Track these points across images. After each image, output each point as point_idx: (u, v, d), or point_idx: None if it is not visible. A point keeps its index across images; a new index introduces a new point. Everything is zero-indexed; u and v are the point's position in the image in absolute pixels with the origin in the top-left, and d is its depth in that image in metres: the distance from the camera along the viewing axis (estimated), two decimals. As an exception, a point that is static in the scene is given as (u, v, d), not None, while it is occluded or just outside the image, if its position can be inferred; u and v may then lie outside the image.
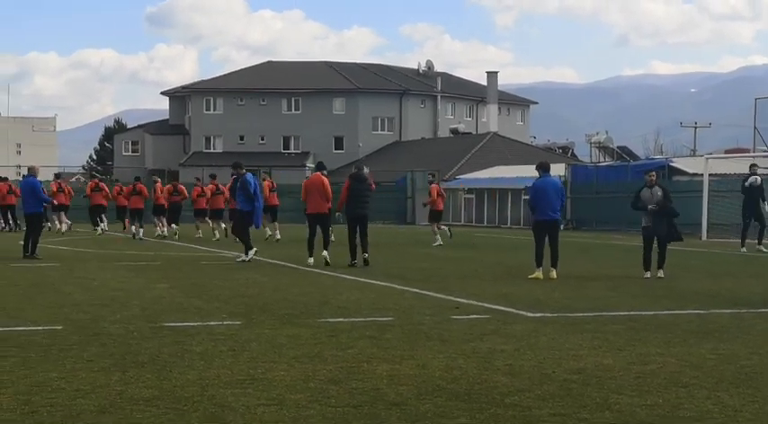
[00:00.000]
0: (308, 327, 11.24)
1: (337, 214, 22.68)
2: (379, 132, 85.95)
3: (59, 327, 11.11)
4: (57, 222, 37.77)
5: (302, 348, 9.78)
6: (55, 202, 36.35)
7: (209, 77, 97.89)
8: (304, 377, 8.26)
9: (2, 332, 10.68)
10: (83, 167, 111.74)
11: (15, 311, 12.64)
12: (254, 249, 22.13)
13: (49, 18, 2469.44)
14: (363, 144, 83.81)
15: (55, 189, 37.11)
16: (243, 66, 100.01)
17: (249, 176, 22.72)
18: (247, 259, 21.81)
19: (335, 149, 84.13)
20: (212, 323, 11.56)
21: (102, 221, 36.65)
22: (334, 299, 14.31)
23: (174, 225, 34.46)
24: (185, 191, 35.42)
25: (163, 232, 34.34)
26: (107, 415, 6.94)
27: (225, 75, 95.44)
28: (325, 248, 21.45)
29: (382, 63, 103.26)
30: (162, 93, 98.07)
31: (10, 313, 12.45)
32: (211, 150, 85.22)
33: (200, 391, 7.70)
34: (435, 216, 32.37)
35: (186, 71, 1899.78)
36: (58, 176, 42.29)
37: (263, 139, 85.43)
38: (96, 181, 39.14)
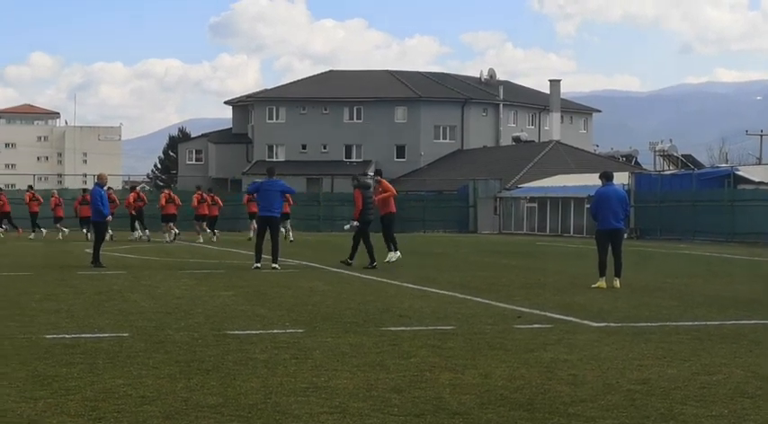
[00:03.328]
0: (371, 335, 11.28)
1: (354, 222, 23.40)
2: (441, 140, 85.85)
3: (126, 334, 11.25)
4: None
5: (365, 356, 9.81)
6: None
7: (271, 87, 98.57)
8: (366, 386, 8.29)
9: (70, 339, 10.83)
10: (147, 176, 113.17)
11: (83, 318, 12.81)
12: (258, 264, 22.22)
13: (115, 29, 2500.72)
14: (425, 152, 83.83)
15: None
16: (305, 76, 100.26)
17: (260, 183, 22.98)
18: (252, 267, 22.16)
19: (397, 157, 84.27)
20: (275, 331, 11.64)
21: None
22: (395, 307, 14.32)
23: (149, 230, 38.99)
24: (145, 198, 40.23)
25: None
26: (172, 421, 7.02)
27: (287, 85, 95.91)
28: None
29: (444, 71, 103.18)
30: (225, 103, 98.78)
31: (78, 320, 12.62)
32: (274, 159, 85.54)
33: (264, 398, 7.76)
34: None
35: (249, 80, 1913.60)
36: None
37: (325, 148, 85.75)
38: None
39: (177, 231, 38.33)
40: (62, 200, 43.59)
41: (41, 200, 42.94)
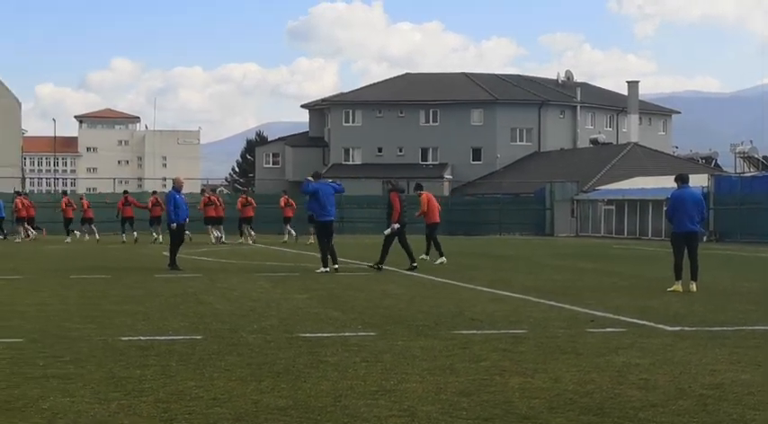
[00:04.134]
0: (442, 339, 11.27)
1: (396, 225, 23.62)
2: (518, 143, 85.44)
3: (199, 336, 11.39)
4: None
5: (435, 360, 9.81)
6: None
7: (348, 90, 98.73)
8: (436, 389, 8.30)
9: (144, 341, 10.99)
10: (225, 179, 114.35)
11: (158, 321, 12.99)
12: (325, 268, 22.22)
13: (194, 34, 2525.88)
14: (501, 155, 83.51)
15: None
16: (381, 79, 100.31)
17: (314, 185, 22.88)
18: (318, 271, 22.22)
19: (473, 160, 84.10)
20: (347, 334, 11.69)
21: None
22: (468, 311, 14.31)
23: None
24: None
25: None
26: (242, 423, 7.10)
27: (363, 88, 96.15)
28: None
29: (521, 73, 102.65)
30: (302, 106, 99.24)
31: (153, 322, 12.80)
32: (350, 162, 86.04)
33: (333, 401, 7.80)
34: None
35: (326, 84, 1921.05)
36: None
37: (401, 151, 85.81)
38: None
39: (220, 234, 39.14)
40: (89, 203, 45.17)
41: (75, 207, 44.27)
